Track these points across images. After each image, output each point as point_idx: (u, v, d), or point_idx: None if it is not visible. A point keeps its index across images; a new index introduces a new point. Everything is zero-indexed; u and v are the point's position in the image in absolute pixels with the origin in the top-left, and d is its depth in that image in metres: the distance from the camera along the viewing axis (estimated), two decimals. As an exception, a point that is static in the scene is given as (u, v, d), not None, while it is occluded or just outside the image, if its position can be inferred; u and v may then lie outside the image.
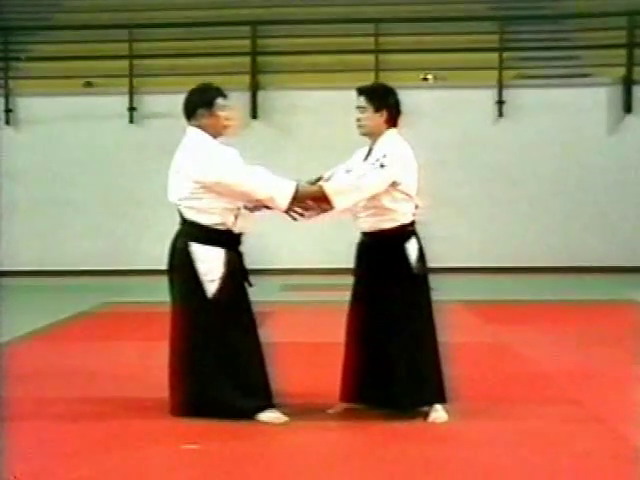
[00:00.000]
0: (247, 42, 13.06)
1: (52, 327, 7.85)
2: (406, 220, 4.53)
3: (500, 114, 12.64)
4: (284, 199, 4.36)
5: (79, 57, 13.36)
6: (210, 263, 4.39)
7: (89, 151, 12.88)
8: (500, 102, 12.59)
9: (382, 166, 4.40)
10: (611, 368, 5.89)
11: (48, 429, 4.41)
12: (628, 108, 12.52)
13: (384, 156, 4.42)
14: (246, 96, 12.70)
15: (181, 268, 4.46)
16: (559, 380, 5.52)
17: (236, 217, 4.43)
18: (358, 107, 4.57)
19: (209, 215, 4.39)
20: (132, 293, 10.52)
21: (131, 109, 12.82)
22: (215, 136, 4.49)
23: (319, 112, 12.53)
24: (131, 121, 12.84)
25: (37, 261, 12.62)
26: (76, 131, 12.87)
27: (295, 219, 4.57)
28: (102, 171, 12.82)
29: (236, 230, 4.47)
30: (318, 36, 13.26)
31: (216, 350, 4.39)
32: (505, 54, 12.88)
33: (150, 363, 6.13)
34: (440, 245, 12.37)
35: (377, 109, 4.52)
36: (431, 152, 12.50)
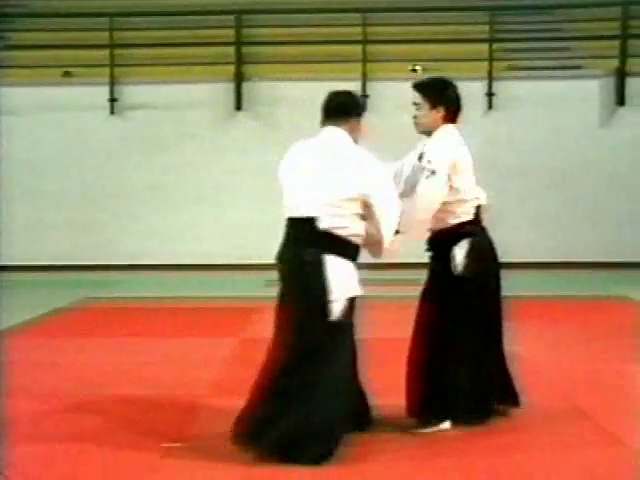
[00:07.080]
0: (232, 32, 12.83)
1: (30, 322, 7.73)
2: (455, 221, 4.40)
3: (490, 106, 12.45)
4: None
5: (58, 46, 13.07)
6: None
7: (69, 143, 12.62)
8: (490, 94, 12.39)
9: (433, 173, 4.22)
10: (608, 364, 5.93)
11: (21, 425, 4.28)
12: (621, 101, 12.37)
13: (429, 162, 4.23)
14: (230, 87, 12.51)
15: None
16: (556, 379, 5.54)
17: None
18: (414, 103, 4.37)
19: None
20: (113, 288, 10.31)
21: (112, 100, 12.55)
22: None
23: (305, 103, 12.25)
24: (112, 112, 12.56)
25: (17, 256, 12.30)
26: (55, 122, 12.58)
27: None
28: (82, 163, 12.55)
29: None
30: (304, 26, 13.05)
31: None
32: (495, 45, 12.69)
33: (132, 359, 6.15)
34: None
35: (433, 105, 4.33)
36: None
